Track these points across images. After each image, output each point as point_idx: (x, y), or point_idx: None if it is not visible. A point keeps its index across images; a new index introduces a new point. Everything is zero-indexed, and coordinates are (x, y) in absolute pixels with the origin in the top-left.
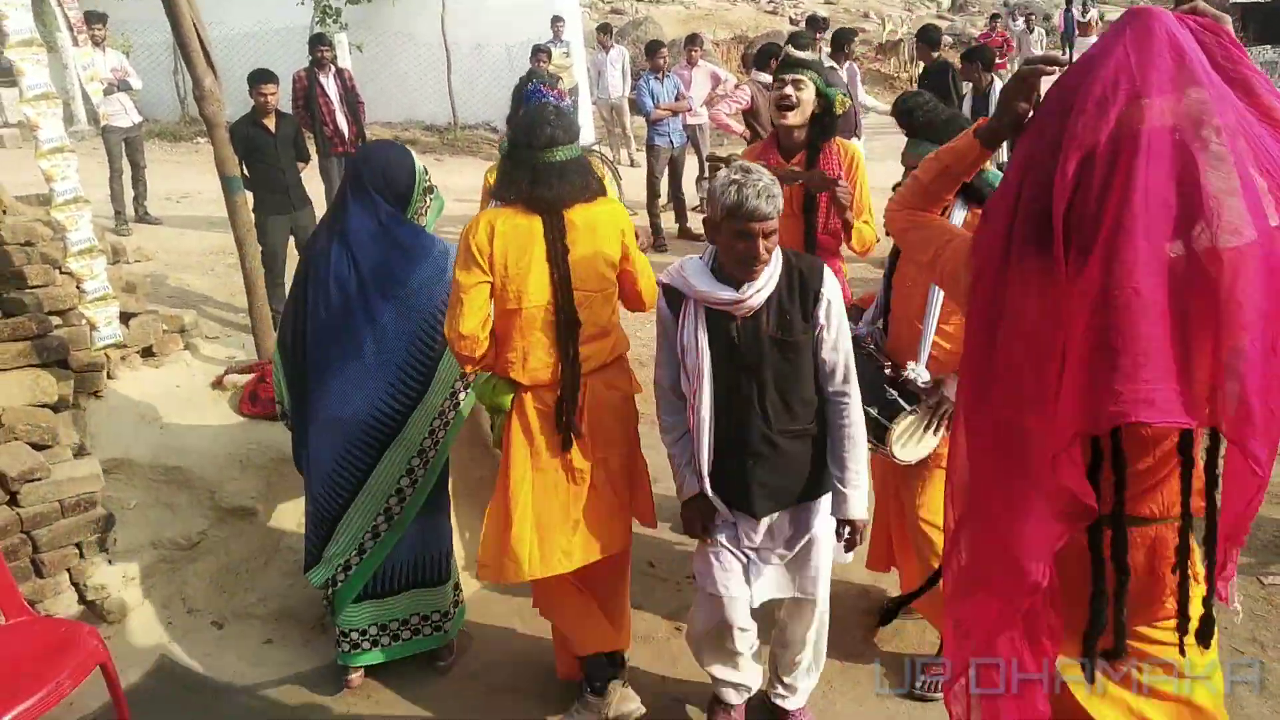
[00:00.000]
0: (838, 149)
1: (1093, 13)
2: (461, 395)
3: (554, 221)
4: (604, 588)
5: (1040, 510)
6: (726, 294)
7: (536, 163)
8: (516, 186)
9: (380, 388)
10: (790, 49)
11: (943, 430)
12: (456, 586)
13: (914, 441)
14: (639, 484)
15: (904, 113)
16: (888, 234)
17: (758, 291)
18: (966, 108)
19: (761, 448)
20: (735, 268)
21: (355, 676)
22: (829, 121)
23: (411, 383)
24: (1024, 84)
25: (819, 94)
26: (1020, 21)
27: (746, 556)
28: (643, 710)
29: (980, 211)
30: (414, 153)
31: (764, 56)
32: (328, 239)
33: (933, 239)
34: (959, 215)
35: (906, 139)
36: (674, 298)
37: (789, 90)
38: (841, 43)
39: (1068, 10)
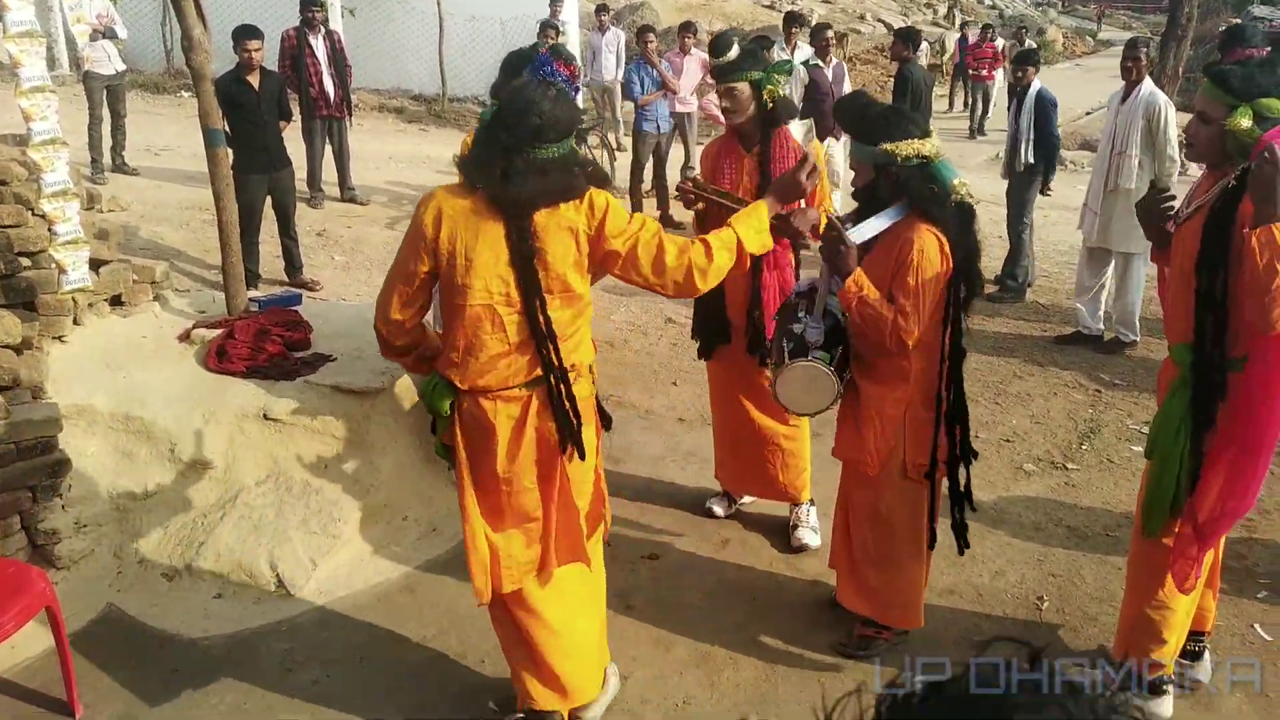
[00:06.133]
0: (793, 145)
1: (1000, 42)
2: None
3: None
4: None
5: None
6: None
7: (516, 155)
8: (487, 173)
9: None
10: (712, 61)
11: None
12: None
13: (802, 392)
14: None
15: (836, 117)
16: None
17: None
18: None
19: None
20: None
21: None
22: (771, 110)
23: None
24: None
25: (754, 87)
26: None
27: None
28: None
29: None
30: None
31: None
32: None
33: None
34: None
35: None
36: None
37: (724, 103)
38: (822, 39)
39: (963, 39)
